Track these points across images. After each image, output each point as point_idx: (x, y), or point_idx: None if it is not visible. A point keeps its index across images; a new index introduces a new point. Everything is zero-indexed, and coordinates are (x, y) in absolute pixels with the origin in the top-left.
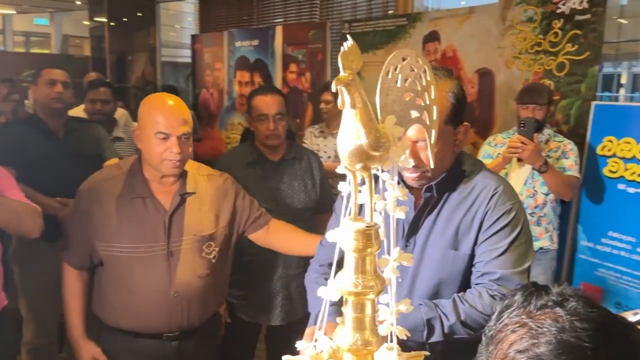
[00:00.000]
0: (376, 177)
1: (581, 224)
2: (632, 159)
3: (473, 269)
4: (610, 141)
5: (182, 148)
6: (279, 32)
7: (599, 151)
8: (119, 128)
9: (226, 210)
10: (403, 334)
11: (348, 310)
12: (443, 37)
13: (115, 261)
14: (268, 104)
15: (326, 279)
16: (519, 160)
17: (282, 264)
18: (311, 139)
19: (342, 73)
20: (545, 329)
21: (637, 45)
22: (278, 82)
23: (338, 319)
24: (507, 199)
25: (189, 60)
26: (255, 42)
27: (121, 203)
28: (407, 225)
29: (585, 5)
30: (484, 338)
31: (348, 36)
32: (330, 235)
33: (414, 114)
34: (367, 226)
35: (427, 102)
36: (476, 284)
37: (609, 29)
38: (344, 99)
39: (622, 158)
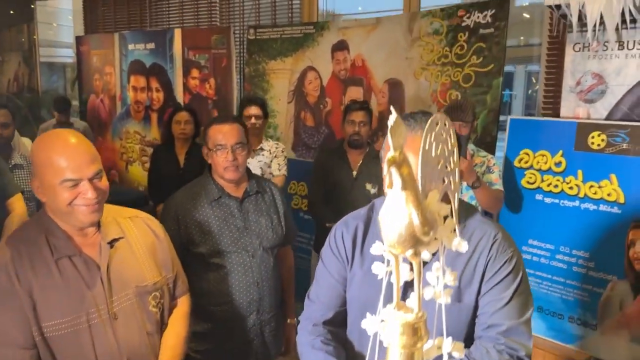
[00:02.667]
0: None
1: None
2: (548, 171)
3: (477, 321)
4: (527, 154)
5: (97, 191)
6: (177, 35)
7: (516, 163)
8: (15, 153)
9: (164, 255)
10: None
11: None
12: (352, 47)
13: (55, 343)
14: (227, 133)
15: (323, 342)
16: None
17: (256, 309)
18: None
19: (391, 152)
20: None
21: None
22: (179, 88)
23: None
24: (508, 246)
25: (68, 60)
26: (151, 46)
27: (46, 269)
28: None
29: (488, 19)
30: None
31: (392, 109)
32: (369, 326)
33: (444, 181)
34: (416, 318)
35: (452, 165)
36: (480, 337)
37: None
38: (392, 180)
39: (539, 170)
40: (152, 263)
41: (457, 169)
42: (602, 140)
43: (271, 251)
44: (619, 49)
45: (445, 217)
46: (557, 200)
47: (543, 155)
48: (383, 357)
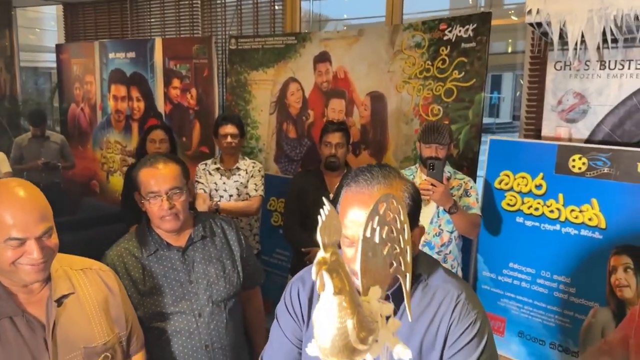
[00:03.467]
0: None
1: (482, 255)
2: (528, 193)
3: None
4: (507, 175)
5: (44, 251)
6: (158, 44)
7: (496, 185)
8: None
9: (118, 311)
10: None
11: None
12: (334, 59)
13: None
14: (159, 177)
15: None
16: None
17: None
18: (206, 177)
19: (321, 253)
20: None
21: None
22: (160, 98)
23: None
24: (472, 308)
25: (50, 65)
26: (132, 55)
27: None
28: None
29: (470, 33)
30: None
31: (325, 200)
32: None
33: (392, 264)
34: None
35: (403, 245)
36: None
37: None
38: (323, 282)
39: (519, 192)
40: (103, 320)
41: (408, 248)
42: (583, 163)
43: (224, 305)
44: (600, 69)
45: (388, 317)
46: (537, 224)
47: (523, 178)
48: None
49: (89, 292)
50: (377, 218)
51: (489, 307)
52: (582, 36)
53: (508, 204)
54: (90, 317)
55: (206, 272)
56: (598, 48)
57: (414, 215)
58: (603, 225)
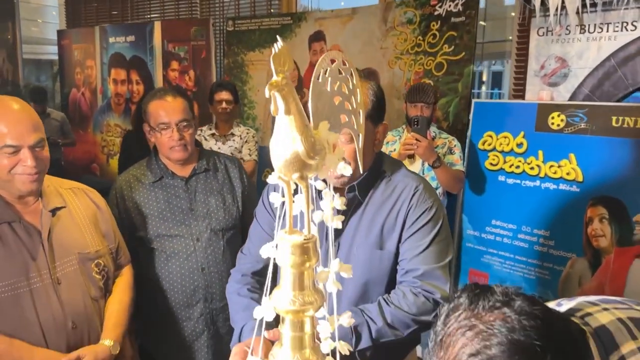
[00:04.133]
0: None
1: (466, 215)
2: (510, 152)
3: (398, 267)
4: (490, 136)
5: (37, 160)
6: (157, 28)
7: (480, 146)
8: None
9: (106, 227)
10: (346, 349)
11: (286, 329)
12: (328, 38)
13: None
14: (169, 109)
15: (249, 290)
16: (410, 157)
17: (203, 298)
18: (202, 143)
19: (274, 77)
20: (495, 330)
21: (497, 46)
22: (159, 81)
23: (266, 333)
24: (428, 197)
25: (54, 57)
26: (131, 38)
27: None
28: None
29: (459, 7)
30: (431, 344)
31: (278, 37)
32: (264, 250)
33: (344, 118)
34: (305, 239)
35: (355, 105)
36: (400, 282)
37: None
38: (278, 105)
39: (501, 152)
40: (94, 232)
41: (361, 111)
42: (562, 120)
43: (222, 234)
44: (580, 33)
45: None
46: (518, 181)
47: (505, 137)
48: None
49: (79, 208)
50: (328, 69)
51: (473, 264)
52: (563, 2)
53: (491, 164)
54: (82, 228)
55: (206, 202)
56: (577, 12)
57: (377, 112)
58: (580, 179)
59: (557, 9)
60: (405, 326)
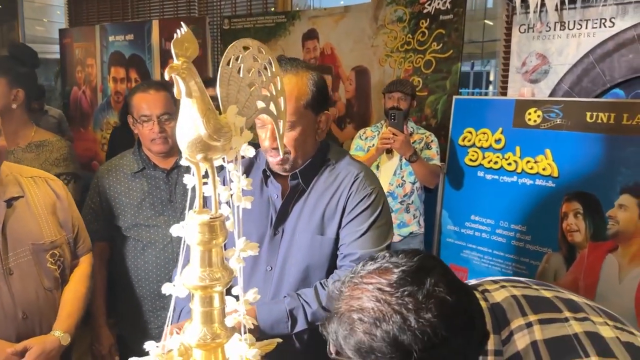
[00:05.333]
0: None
1: (446, 210)
2: (489, 148)
3: (338, 252)
4: (470, 132)
5: None
6: (155, 26)
7: (459, 142)
8: None
9: (65, 216)
10: (251, 323)
11: (196, 305)
12: (321, 36)
13: None
14: (150, 102)
15: None
16: (388, 152)
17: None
18: None
19: (175, 61)
20: (394, 316)
21: (496, 45)
22: (156, 79)
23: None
24: (368, 184)
25: (58, 56)
26: (130, 37)
27: None
28: (275, 214)
29: (448, 5)
30: (349, 275)
31: (182, 23)
32: (174, 229)
33: (260, 104)
34: (211, 217)
35: (275, 92)
36: (339, 267)
37: (475, 30)
38: (180, 88)
39: (480, 147)
40: (51, 222)
41: (281, 98)
42: (538, 116)
43: None
44: (560, 29)
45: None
46: (496, 177)
47: (484, 133)
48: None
49: (38, 197)
50: (240, 56)
51: (453, 259)
52: None
53: (470, 160)
54: (38, 218)
55: (185, 195)
56: (557, 9)
57: (318, 101)
58: (556, 174)
59: (537, 6)
60: None
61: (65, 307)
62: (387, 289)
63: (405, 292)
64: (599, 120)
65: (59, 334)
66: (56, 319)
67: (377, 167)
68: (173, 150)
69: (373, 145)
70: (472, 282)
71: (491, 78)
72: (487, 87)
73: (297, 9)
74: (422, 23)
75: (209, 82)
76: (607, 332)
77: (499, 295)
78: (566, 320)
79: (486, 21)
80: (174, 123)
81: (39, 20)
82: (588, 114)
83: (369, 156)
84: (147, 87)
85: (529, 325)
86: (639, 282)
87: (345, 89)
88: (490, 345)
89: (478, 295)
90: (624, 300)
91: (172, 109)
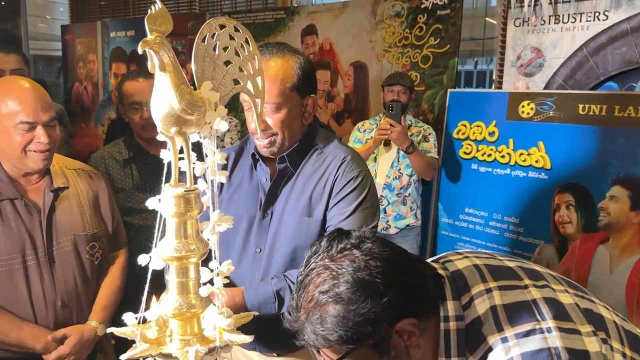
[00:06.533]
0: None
1: (441, 203)
2: (483, 141)
3: (325, 234)
4: (464, 125)
5: (50, 137)
6: None
7: (454, 135)
8: None
9: (105, 209)
10: (223, 294)
11: (171, 276)
12: (320, 31)
13: None
14: (139, 89)
15: None
16: (386, 144)
17: None
18: None
19: (149, 36)
20: (344, 270)
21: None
22: None
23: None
24: (355, 167)
25: (60, 53)
26: (132, 33)
27: None
28: (264, 197)
29: (445, 0)
30: (295, 284)
31: (157, 0)
32: (150, 202)
33: (237, 82)
34: (186, 190)
35: (252, 72)
36: None
37: (477, 27)
38: (153, 62)
39: (474, 140)
40: (92, 215)
41: (259, 77)
42: (531, 108)
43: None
44: (555, 23)
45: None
46: (490, 169)
47: (478, 126)
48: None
49: (81, 189)
50: (216, 34)
51: (447, 251)
52: None
53: (464, 152)
54: (81, 210)
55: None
56: (551, 2)
57: (304, 84)
58: (548, 166)
59: (531, 0)
60: None
61: (101, 298)
62: (328, 262)
63: (345, 252)
64: (591, 112)
65: (95, 324)
66: (92, 310)
67: (375, 159)
68: None
69: (371, 137)
70: (437, 257)
71: (494, 77)
72: (490, 86)
73: (297, 4)
74: (420, 18)
75: None
76: (566, 298)
77: (460, 264)
78: (526, 287)
79: (487, 19)
80: None
81: (42, 17)
82: (580, 106)
83: (366, 147)
84: (137, 75)
85: (488, 290)
86: (630, 273)
87: (343, 84)
88: (451, 311)
89: (437, 265)
90: (615, 290)
91: None
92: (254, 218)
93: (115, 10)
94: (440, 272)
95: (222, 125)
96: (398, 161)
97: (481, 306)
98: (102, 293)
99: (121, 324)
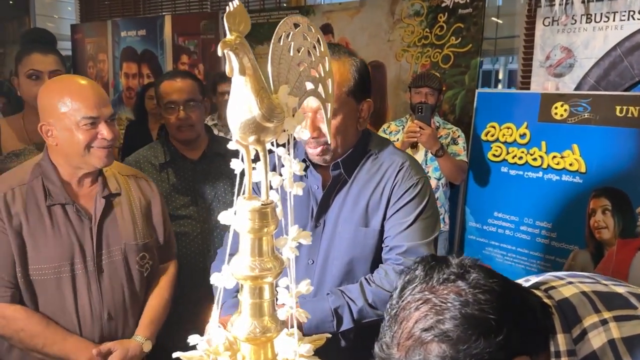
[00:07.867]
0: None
1: (469, 206)
2: (513, 143)
3: (383, 245)
4: (493, 127)
5: (113, 134)
6: (168, 21)
7: (483, 137)
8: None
9: (157, 219)
10: (304, 317)
11: (245, 296)
12: (336, 30)
13: (38, 287)
14: (176, 89)
15: None
16: (413, 147)
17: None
18: None
19: (228, 36)
20: (449, 304)
21: (512, 42)
22: None
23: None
24: (414, 174)
25: (69, 52)
26: (143, 32)
27: (38, 213)
28: (316, 205)
29: None
30: (386, 316)
31: None
32: (222, 217)
33: (309, 85)
34: (262, 204)
35: (322, 74)
36: (385, 260)
37: (487, 27)
38: (232, 65)
39: (504, 142)
40: (144, 224)
41: (329, 80)
42: (565, 110)
43: None
44: (586, 22)
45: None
46: (521, 172)
47: (508, 128)
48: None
49: (134, 197)
50: (291, 33)
51: (474, 256)
52: None
53: (494, 155)
54: (132, 218)
55: (214, 185)
56: (583, 1)
57: (360, 89)
58: (583, 170)
59: None
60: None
61: (149, 312)
62: (428, 295)
63: (448, 284)
64: (629, 115)
65: (141, 339)
66: (139, 324)
67: None
68: (199, 140)
69: (397, 139)
70: (532, 279)
71: (500, 76)
72: (495, 85)
73: (312, 3)
74: (440, 17)
75: (225, 78)
76: None
77: (566, 291)
78: None
79: (493, 19)
80: (199, 111)
81: (50, 17)
82: (618, 107)
83: None
84: (174, 75)
85: (604, 322)
86: None
87: None
88: (562, 345)
89: (540, 293)
90: None
91: (198, 97)
92: (305, 228)
93: (124, 10)
94: (546, 301)
95: (303, 133)
96: (426, 164)
97: (596, 339)
98: (150, 306)
99: (167, 340)
